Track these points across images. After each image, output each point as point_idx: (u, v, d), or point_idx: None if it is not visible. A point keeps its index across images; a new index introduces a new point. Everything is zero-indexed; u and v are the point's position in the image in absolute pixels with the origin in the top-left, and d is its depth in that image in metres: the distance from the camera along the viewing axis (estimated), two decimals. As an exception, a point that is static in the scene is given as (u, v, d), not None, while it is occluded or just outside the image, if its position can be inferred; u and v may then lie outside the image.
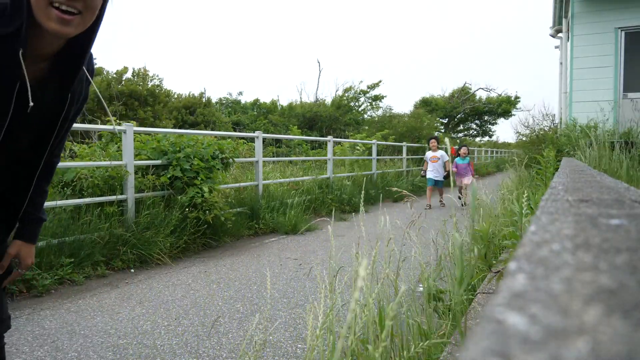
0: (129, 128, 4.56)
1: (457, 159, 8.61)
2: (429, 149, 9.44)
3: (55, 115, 1.26)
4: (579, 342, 0.23)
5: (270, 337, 2.58)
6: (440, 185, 8.75)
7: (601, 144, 4.13)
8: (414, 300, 1.84)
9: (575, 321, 0.26)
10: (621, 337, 0.24)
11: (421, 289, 2.10)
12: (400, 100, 75.84)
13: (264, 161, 7.41)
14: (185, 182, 4.74)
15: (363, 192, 1.88)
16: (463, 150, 9.05)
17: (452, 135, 29.54)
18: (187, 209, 4.66)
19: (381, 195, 7.82)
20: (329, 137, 8.72)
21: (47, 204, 3.76)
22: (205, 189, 4.68)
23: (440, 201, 8.96)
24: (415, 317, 1.69)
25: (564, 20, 8.73)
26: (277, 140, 15.53)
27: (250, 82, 58.09)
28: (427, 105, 31.14)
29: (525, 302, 0.29)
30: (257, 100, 27.23)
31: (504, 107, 33.87)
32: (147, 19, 66.28)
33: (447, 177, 8.69)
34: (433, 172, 8.78)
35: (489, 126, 36.58)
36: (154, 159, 4.80)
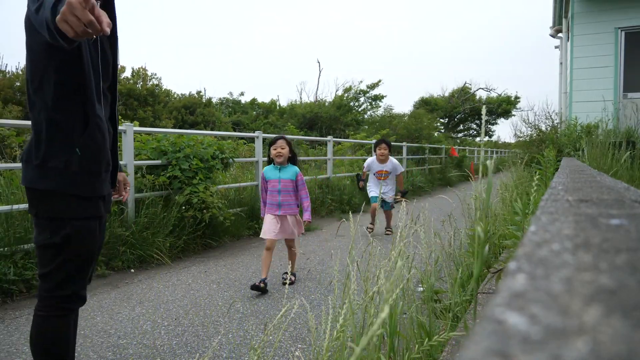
0: (129, 128, 4.56)
1: (265, 169, 3.76)
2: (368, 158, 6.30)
3: None
4: (579, 342, 0.23)
5: (270, 337, 2.58)
6: (388, 207, 5.78)
7: (601, 144, 4.13)
8: (414, 300, 1.85)
9: (575, 321, 0.26)
10: (621, 337, 0.24)
11: (420, 289, 2.10)
12: (401, 100, 75.83)
13: (264, 161, 7.40)
14: (183, 182, 4.74)
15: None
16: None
17: (452, 135, 29.54)
18: (183, 208, 4.66)
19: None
20: (329, 137, 8.71)
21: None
22: (201, 188, 4.68)
23: (387, 229, 5.82)
24: (417, 317, 1.70)
25: (564, 20, 8.72)
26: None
27: (250, 82, 58.13)
28: (426, 105, 31.16)
29: (525, 302, 0.29)
30: (254, 99, 27.25)
31: (504, 107, 33.91)
32: (145, 18, 66.29)
33: (405, 194, 5.84)
34: (377, 187, 5.89)
35: (489, 126, 36.62)
36: (154, 159, 4.80)
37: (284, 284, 3.46)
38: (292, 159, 3.73)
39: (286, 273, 3.64)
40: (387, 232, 5.78)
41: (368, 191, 6.05)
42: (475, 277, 1.03)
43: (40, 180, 1.55)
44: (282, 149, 3.64)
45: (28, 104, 1.60)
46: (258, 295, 3.33)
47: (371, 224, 5.90)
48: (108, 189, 1.75)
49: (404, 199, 4.43)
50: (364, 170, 6.06)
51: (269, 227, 3.55)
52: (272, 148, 3.70)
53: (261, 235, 3.57)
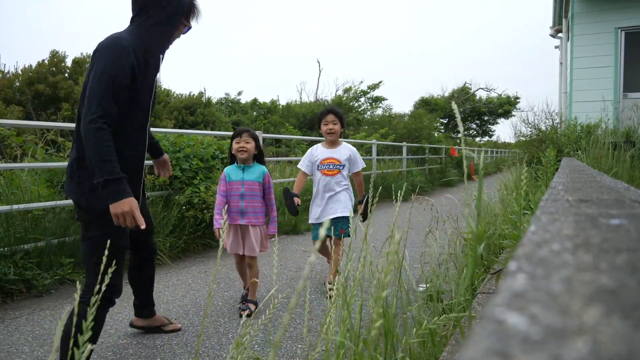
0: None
1: (227, 169, 3.11)
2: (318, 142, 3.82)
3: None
4: (579, 342, 0.23)
5: (270, 337, 2.58)
6: (339, 234, 3.31)
7: (601, 144, 4.13)
8: (416, 299, 1.85)
9: (575, 321, 0.26)
10: (621, 337, 0.24)
11: (421, 288, 2.10)
12: (400, 100, 75.84)
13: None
14: (183, 182, 4.74)
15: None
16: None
17: (452, 135, 29.54)
18: (183, 207, 4.66)
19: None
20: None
21: (47, 203, 3.77)
22: (202, 188, 4.69)
23: (329, 282, 3.28)
24: (419, 316, 1.70)
25: (564, 20, 8.72)
26: (277, 140, 15.55)
27: (250, 82, 58.13)
28: (426, 105, 31.16)
29: (525, 302, 0.29)
30: (255, 100, 27.25)
31: (505, 107, 33.97)
32: (147, 19, 66.04)
33: (363, 209, 3.33)
34: (323, 201, 3.44)
35: (489, 126, 36.67)
36: (154, 159, 4.79)
37: (241, 315, 2.83)
38: (259, 158, 3.14)
39: (244, 302, 3.00)
40: (329, 288, 3.21)
41: (310, 214, 3.53)
42: (470, 275, 1.03)
43: (72, 194, 1.97)
44: (247, 143, 3.01)
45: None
46: (258, 295, 3.32)
47: (330, 282, 3.23)
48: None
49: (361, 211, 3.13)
50: (301, 170, 3.54)
51: (232, 240, 3.03)
52: (234, 142, 3.04)
53: (229, 252, 3.06)
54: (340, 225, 3.33)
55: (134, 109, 1.97)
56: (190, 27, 2.20)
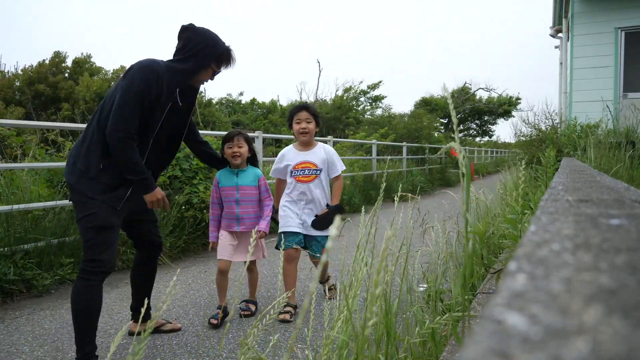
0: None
1: (219, 173, 2.94)
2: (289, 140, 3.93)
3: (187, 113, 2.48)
4: (579, 342, 0.23)
5: (270, 337, 2.58)
6: (318, 249, 2.94)
7: (601, 144, 4.13)
8: (417, 299, 1.85)
9: (575, 321, 0.26)
10: (621, 337, 0.24)
11: (422, 288, 2.10)
12: (400, 100, 75.85)
13: (264, 161, 7.40)
14: (183, 182, 4.74)
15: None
16: None
17: (452, 135, 29.55)
18: (183, 208, 4.66)
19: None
20: (329, 137, 8.71)
21: (47, 203, 3.78)
22: (201, 188, 4.68)
23: (329, 288, 3.17)
24: (419, 315, 1.70)
25: (564, 20, 8.72)
26: (277, 140, 15.55)
27: (250, 82, 58.15)
28: (427, 105, 31.16)
29: (525, 302, 0.29)
30: (254, 99, 27.25)
31: (504, 107, 34.00)
32: (145, 17, 66.29)
33: (335, 212, 2.94)
34: (301, 211, 3.03)
35: (489, 126, 36.70)
36: (154, 159, 4.80)
37: (242, 315, 2.85)
38: (252, 160, 2.97)
39: (244, 302, 2.99)
40: (330, 292, 3.14)
41: (281, 220, 3.06)
42: (462, 273, 1.04)
43: (66, 175, 2.19)
44: (240, 147, 2.85)
45: (97, 124, 2.13)
46: (258, 295, 3.32)
47: (288, 306, 2.90)
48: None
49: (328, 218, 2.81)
50: (274, 176, 3.21)
51: (225, 245, 2.86)
52: (226, 146, 2.87)
53: (218, 256, 2.87)
54: (321, 240, 3.03)
55: (142, 132, 2.21)
56: (219, 72, 2.43)
